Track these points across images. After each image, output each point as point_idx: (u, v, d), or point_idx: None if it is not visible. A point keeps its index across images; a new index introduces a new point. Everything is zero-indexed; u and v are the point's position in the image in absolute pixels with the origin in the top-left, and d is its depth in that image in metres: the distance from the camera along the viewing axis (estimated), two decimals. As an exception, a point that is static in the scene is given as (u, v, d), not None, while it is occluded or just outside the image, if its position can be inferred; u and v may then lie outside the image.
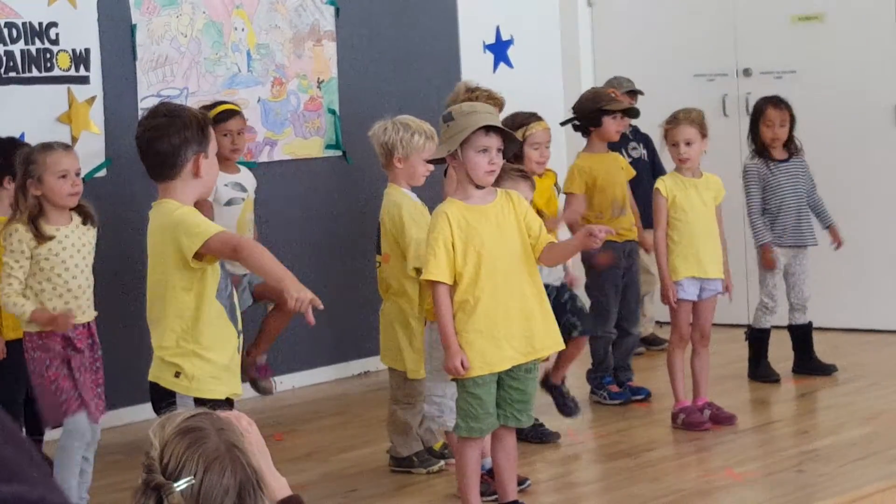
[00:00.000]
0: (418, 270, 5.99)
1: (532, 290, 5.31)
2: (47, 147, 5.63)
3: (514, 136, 5.46)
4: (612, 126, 7.29)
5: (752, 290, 8.09)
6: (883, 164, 8.69)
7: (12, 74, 6.94)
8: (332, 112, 8.30)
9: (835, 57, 8.78)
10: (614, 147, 7.59)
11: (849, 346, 8.40)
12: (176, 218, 4.67)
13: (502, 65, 9.25)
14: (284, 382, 7.89)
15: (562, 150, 8.72)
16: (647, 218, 7.25)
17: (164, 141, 4.70)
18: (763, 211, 7.65)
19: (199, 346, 4.71)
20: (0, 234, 5.65)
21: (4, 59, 6.91)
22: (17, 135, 6.56)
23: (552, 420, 6.77)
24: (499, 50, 9.26)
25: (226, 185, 6.95)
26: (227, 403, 4.72)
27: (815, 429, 6.82)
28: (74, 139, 7.06)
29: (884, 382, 7.50)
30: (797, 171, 7.68)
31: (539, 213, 6.51)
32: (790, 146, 7.69)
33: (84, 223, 5.65)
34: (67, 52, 7.12)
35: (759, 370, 7.70)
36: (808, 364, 7.77)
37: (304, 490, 5.56)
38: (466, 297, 5.22)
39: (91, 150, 7.13)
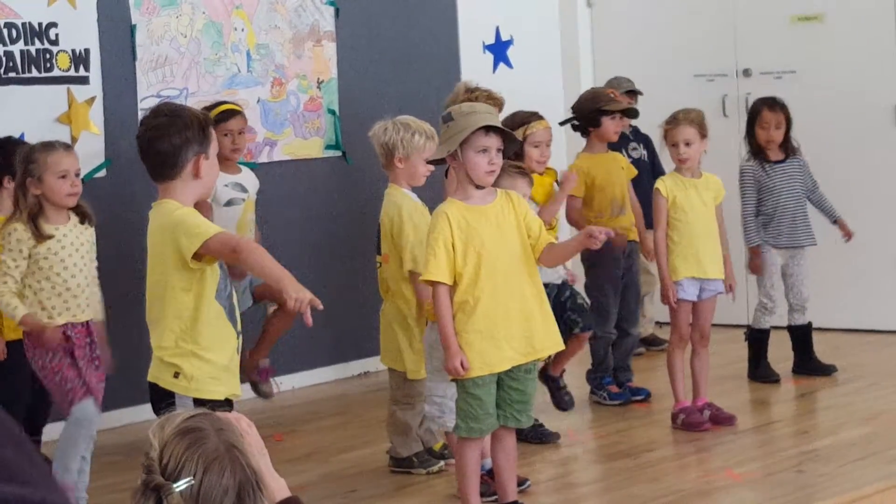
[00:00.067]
0: (412, 273, 6.01)
1: (532, 291, 5.30)
2: (48, 146, 5.63)
3: (514, 135, 5.45)
4: (611, 126, 7.29)
5: (751, 290, 8.09)
6: (883, 165, 8.69)
7: (12, 75, 6.94)
8: (332, 112, 8.30)
9: (834, 57, 8.78)
10: (615, 147, 7.59)
11: (849, 346, 8.39)
12: (175, 218, 4.67)
13: (502, 65, 9.25)
14: (284, 383, 7.89)
15: (561, 149, 8.72)
16: (648, 218, 7.26)
17: (164, 141, 4.70)
18: (759, 212, 7.65)
19: (198, 347, 4.71)
20: None
21: (4, 59, 6.91)
22: (16, 135, 6.55)
23: (552, 420, 6.77)
24: (498, 50, 9.26)
25: (225, 185, 6.94)
26: (227, 404, 4.72)
27: (815, 429, 6.82)
28: (74, 139, 7.05)
29: (883, 383, 7.50)
30: (794, 172, 7.67)
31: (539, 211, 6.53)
32: (787, 147, 7.68)
33: (81, 222, 5.66)
34: (67, 52, 7.12)
35: (759, 371, 7.70)
36: (808, 364, 7.77)
37: (303, 491, 5.56)
38: (466, 297, 5.22)
39: (91, 151, 7.13)
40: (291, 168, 8.08)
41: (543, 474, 6.19)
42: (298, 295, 4.49)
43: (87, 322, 5.68)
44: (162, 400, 4.71)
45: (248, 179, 7.18)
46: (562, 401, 6.84)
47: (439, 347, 5.46)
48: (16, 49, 6.95)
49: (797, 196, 7.66)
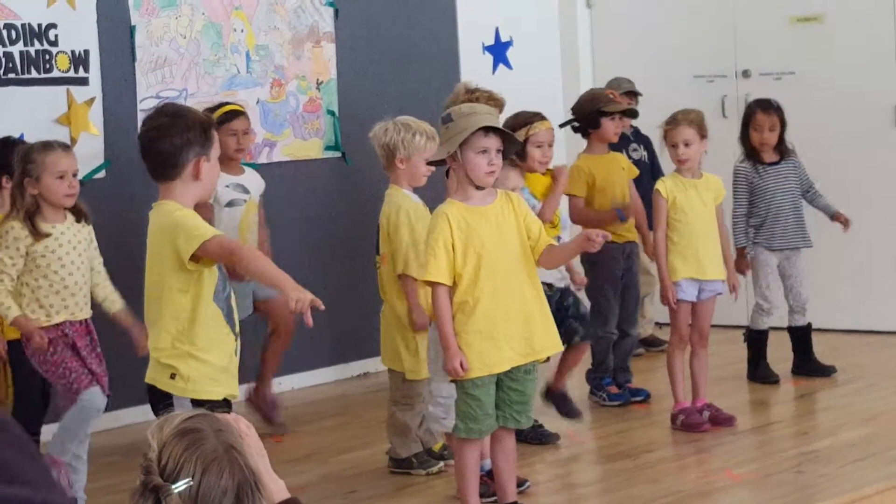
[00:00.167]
0: (403, 275, 6.02)
1: (531, 292, 5.30)
2: (47, 146, 5.63)
3: (514, 136, 5.45)
4: (611, 127, 7.30)
5: (751, 291, 8.08)
6: (882, 165, 8.68)
7: (11, 76, 6.94)
8: (332, 113, 8.30)
9: (834, 58, 8.78)
10: (616, 148, 7.60)
11: (848, 347, 8.39)
12: (175, 219, 4.67)
13: (501, 66, 9.25)
14: (284, 383, 7.89)
15: (561, 150, 8.71)
16: (649, 219, 7.27)
17: (165, 141, 4.70)
18: (752, 214, 7.65)
19: (195, 348, 4.70)
20: None
21: (4, 60, 6.91)
22: (16, 136, 6.55)
23: (552, 421, 6.76)
24: (498, 51, 9.26)
25: (227, 186, 6.94)
26: (225, 405, 4.71)
27: (815, 430, 6.82)
28: (73, 140, 7.05)
29: (883, 384, 7.49)
30: (788, 174, 7.67)
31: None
32: (781, 149, 7.68)
33: (78, 221, 5.66)
34: (67, 53, 7.12)
35: (759, 371, 7.70)
36: (807, 365, 7.78)
37: (303, 491, 5.56)
38: (466, 298, 5.22)
39: (90, 152, 7.13)
40: (291, 169, 8.08)
41: (543, 475, 6.19)
42: (299, 296, 4.49)
43: (86, 320, 5.68)
44: (160, 401, 4.71)
45: (251, 181, 7.17)
46: (572, 411, 6.81)
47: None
48: (15, 50, 6.95)
49: (791, 198, 7.66)
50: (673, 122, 6.85)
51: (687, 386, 6.86)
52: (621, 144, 7.88)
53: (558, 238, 6.62)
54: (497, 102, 6.79)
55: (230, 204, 6.98)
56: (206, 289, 4.69)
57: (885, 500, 5.44)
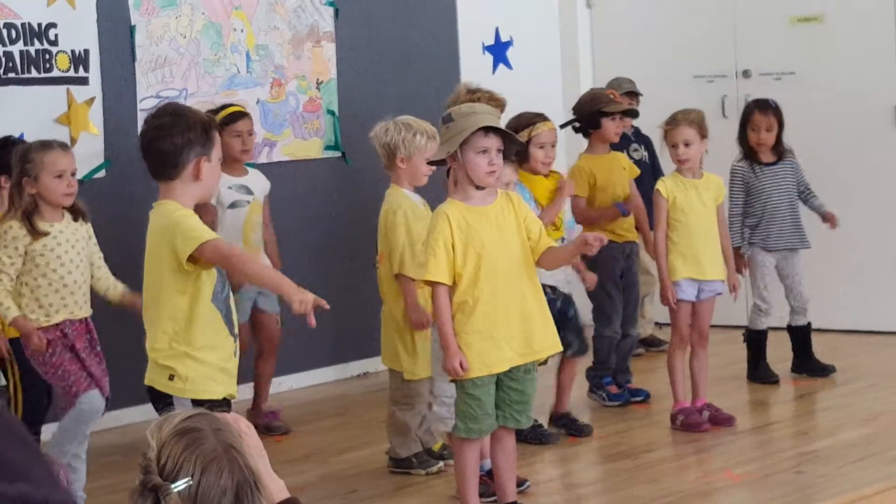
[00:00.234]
0: (399, 275, 6.02)
1: (531, 292, 5.30)
2: (45, 146, 5.63)
3: (514, 136, 5.45)
4: (611, 128, 7.30)
5: (750, 291, 8.08)
6: (882, 165, 8.68)
7: (11, 75, 6.94)
8: (332, 113, 8.30)
9: (834, 58, 8.77)
10: (616, 148, 7.60)
11: (848, 347, 8.39)
12: (174, 220, 4.67)
13: (501, 66, 9.25)
14: (284, 383, 7.89)
15: (562, 150, 8.71)
16: (649, 219, 7.27)
17: (166, 140, 4.70)
18: (748, 214, 7.64)
19: (192, 348, 4.70)
20: None
21: (3, 59, 6.91)
22: (16, 136, 6.55)
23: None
24: (498, 51, 9.26)
25: (229, 187, 6.94)
26: (225, 404, 4.71)
27: (815, 430, 6.82)
28: (73, 140, 7.05)
29: (883, 384, 7.49)
30: (785, 175, 7.66)
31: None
32: (779, 150, 7.68)
33: (75, 219, 5.66)
34: (66, 52, 7.12)
35: (758, 371, 7.70)
36: (806, 364, 7.78)
37: (303, 491, 5.56)
38: (466, 297, 5.21)
39: (90, 151, 7.13)
40: (291, 169, 8.08)
41: (543, 475, 6.18)
42: (302, 297, 4.50)
43: (86, 319, 5.68)
44: (160, 401, 4.71)
45: (255, 181, 7.15)
46: (582, 429, 6.78)
47: (446, 347, 5.45)
48: (15, 49, 6.95)
49: (787, 199, 7.65)
50: (673, 122, 6.85)
51: (687, 386, 6.85)
52: (622, 144, 7.88)
53: (562, 240, 6.63)
54: (498, 103, 6.79)
55: (233, 205, 6.97)
56: (204, 290, 4.68)
57: (884, 501, 5.44)
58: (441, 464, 6.19)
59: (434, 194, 6.39)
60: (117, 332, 6.27)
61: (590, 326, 7.48)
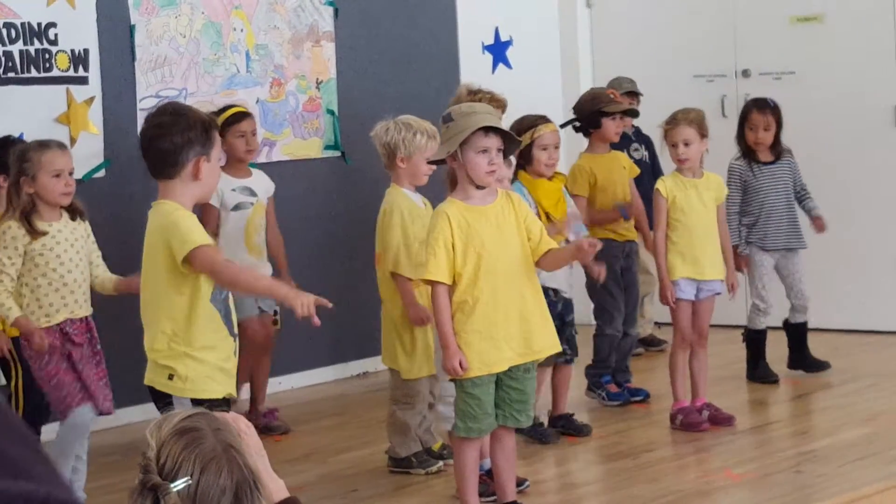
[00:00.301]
0: (394, 274, 6.03)
1: (531, 292, 5.30)
2: (43, 145, 5.63)
3: (514, 135, 5.45)
4: (612, 127, 7.30)
5: (749, 291, 8.08)
6: (882, 165, 8.68)
7: (11, 75, 6.94)
8: (331, 113, 8.30)
9: (834, 58, 8.77)
10: (617, 148, 7.60)
11: (848, 346, 8.39)
12: (171, 220, 4.66)
13: (501, 66, 9.25)
14: (283, 383, 7.89)
15: (561, 150, 8.70)
16: (649, 219, 7.27)
17: (166, 139, 4.70)
18: (745, 213, 7.64)
19: (191, 348, 4.70)
20: None
21: (3, 59, 6.91)
22: (15, 135, 6.55)
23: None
24: (498, 51, 9.26)
25: (233, 189, 6.94)
26: (225, 404, 4.71)
27: (814, 430, 6.82)
28: (73, 140, 7.05)
29: (883, 383, 7.49)
30: (782, 175, 7.66)
31: (547, 215, 6.53)
32: (777, 149, 7.67)
33: (73, 218, 5.65)
34: (66, 52, 7.12)
35: (758, 371, 7.70)
36: (802, 361, 7.77)
37: (302, 491, 5.56)
38: (465, 297, 5.22)
39: (90, 151, 7.13)
40: (290, 168, 8.08)
41: (543, 474, 6.18)
42: (302, 300, 4.51)
43: (87, 318, 5.68)
44: (160, 400, 4.71)
45: (259, 183, 7.15)
46: (580, 430, 6.78)
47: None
48: (15, 49, 6.95)
49: (784, 198, 7.65)
50: (673, 122, 6.85)
51: (686, 385, 6.85)
52: (623, 144, 7.88)
53: (567, 241, 6.63)
54: (499, 103, 6.79)
55: (237, 207, 6.97)
56: (202, 290, 4.68)
57: (884, 500, 5.44)
58: (441, 463, 6.19)
59: (435, 194, 6.39)
60: (117, 332, 6.27)
61: (590, 326, 7.49)
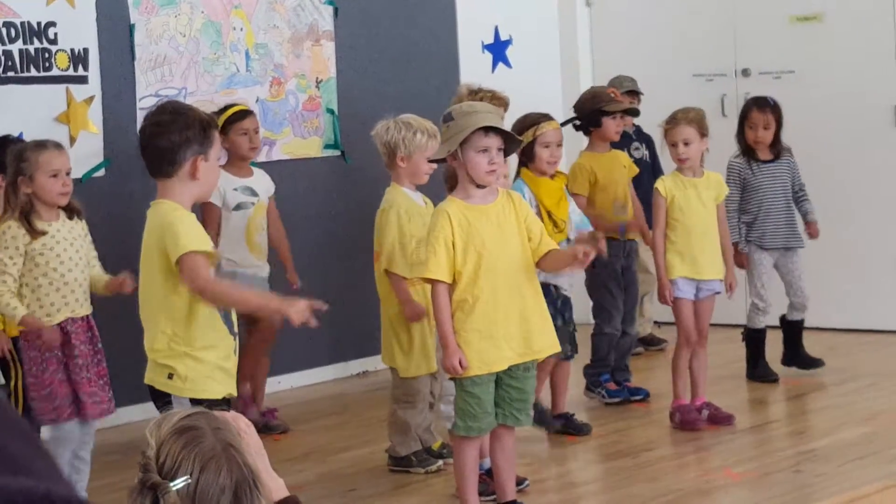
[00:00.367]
0: (388, 272, 6.03)
1: (531, 291, 5.30)
2: (40, 145, 5.62)
3: (514, 135, 5.45)
4: (612, 126, 7.30)
5: (748, 290, 8.08)
6: (882, 165, 8.68)
7: (11, 74, 6.94)
8: (331, 112, 8.30)
9: (833, 57, 8.77)
10: (617, 147, 7.60)
11: (847, 345, 8.39)
12: (168, 221, 4.66)
13: (501, 65, 9.25)
14: (283, 382, 7.89)
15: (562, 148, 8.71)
16: (648, 219, 7.27)
17: (164, 138, 4.70)
18: (744, 210, 7.64)
19: (191, 348, 4.69)
20: None
21: (3, 58, 6.91)
22: (15, 135, 6.54)
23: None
24: (497, 50, 9.26)
25: (235, 189, 6.95)
26: (225, 403, 4.71)
27: (813, 429, 6.82)
28: (73, 139, 7.05)
29: (882, 383, 7.49)
30: (781, 173, 7.66)
31: (549, 214, 6.53)
32: (777, 148, 7.67)
33: (70, 218, 5.65)
34: (66, 51, 7.12)
35: (757, 370, 7.70)
36: (796, 358, 7.77)
37: (302, 490, 5.56)
38: (465, 296, 5.21)
39: (89, 150, 7.13)
40: (290, 168, 8.08)
41: (542, 474, 6.18)
42: (296, 308, 4.52)
43: (87, 317, 5.68)
44: (160, 399, 4.71)
45: (260, 183, 7.15)
46: (580, 429, 6.78)
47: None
48: (14, 48, 6.95)
49: (783, 197, 7.65)
50: (673, 121, 6.85)
51: (687, 384, 6.85)
52: (623, 143, 7.88)
53: (568, 240, 6.64)
54: (501, 101, 6.79)
55: (238, 207, 6.98)
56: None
57: (883, 499, 5.44)
58: (440, 462, 6.19)
59: (436, 192, 6.39)
60: (117, 331, 6.26)
61: (589, 325, 7.49)
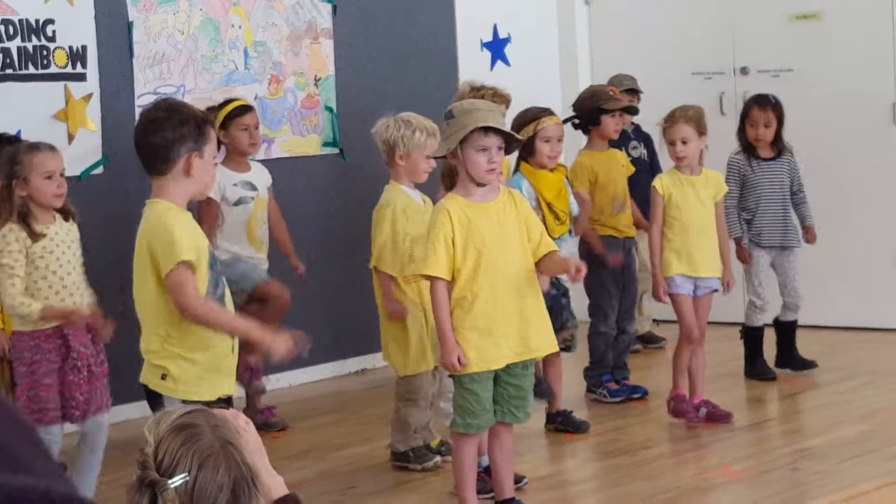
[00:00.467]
0: (376, 269, 6.04)
1: (530, 290, 5.30)
2: (33, 147, 5.61)
3: (514, 135, 5.44)
4: (611, 124, 7.30)
5: (746, 288, 8.08)
6: (881, 163, 8.69)
7: (9, 72, 6.94)
8: (330, 110, 8.29)
9: (832, 55, 8.78)
10: (616, 145, 7.60)
11: (845, 344, 8.40)
12: (161, 224, 4.62)
13: (500, 63, 9.25)
14: (282, 380, 7.89)
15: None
16: (645, 218, 7.28)
17: (158, 135, 4.68)
18: (743, 207, 7.65)
19: (185, 349, 4.68)
20: None
21: (1, 56, 6.91)
22: (13, 133, 6.54)
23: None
24: (496, 48, 9.26)
25: (235, 184, 6.95)
26: (226, 403, 4.70)
27: (811, 427, 6.82)
28: (71, 136, 7.05)
29: (879, 381, 7.50)
30: (780, 171, 7.66)
31: (549, 206, 6.53)
32: (778, 146, 7.67)
33: (65, 220, 5.64)
34: (64, 49, 7.12)
35: (755, 368, 7.71)
36: (789, 359, 7.77)
37: (301, 488, 5.56)
38: (464, 293, 5.22)
39: (88, 148, 7.13)
40: (289, 165, 8.08)
41: (541, 471, 6.19)
42: (281, 339, 4.55)
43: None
44: (153, 400, 4.71)
45: (259, 176, 7.16)
46: (579, 426, 6.77)
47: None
48: (13, 46, 6.95)
49: (781, 196, 7.65)
50: (671, 120, 6.85)
51: (685, 380, 6.86)
52: (622, 141, 7.88)
53: (570, 232, 6.66)
54: (503, 99, 6.78)
55: (238, 202, 6.98)
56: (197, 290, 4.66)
57: (880, 497, 5.45)
58: (438, 459, 6.19)
59: (436, 191, 6.39)
60: (117, 329, 6.26)
61: (585, 323, 7.49)
